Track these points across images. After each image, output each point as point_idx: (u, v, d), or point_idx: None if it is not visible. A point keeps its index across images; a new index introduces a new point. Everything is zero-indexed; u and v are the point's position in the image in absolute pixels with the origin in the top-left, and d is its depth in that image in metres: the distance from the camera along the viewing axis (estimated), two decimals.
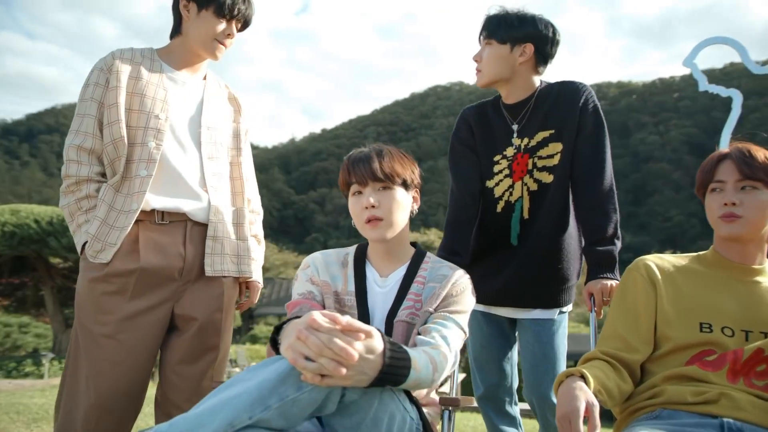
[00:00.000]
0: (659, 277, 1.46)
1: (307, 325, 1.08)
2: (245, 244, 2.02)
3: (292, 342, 1.09)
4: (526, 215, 1.98)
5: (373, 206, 1.50)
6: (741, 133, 1.56)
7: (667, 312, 1.41)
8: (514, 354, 2.14)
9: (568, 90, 1.96)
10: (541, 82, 2.04)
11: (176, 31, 1.96)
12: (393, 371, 1.16)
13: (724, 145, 2.69)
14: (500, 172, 2.02)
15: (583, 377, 1.24)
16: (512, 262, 1.98)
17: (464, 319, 1.51)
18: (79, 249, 1.84)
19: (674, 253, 1.70)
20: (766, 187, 1.41)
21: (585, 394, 1.18)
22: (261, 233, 2.16)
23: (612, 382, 1.33)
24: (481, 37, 2.01)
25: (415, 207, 1.62)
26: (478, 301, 1.86)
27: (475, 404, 2.13)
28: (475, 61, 2.03)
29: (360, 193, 1.54)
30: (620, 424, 1.42)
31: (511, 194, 2.00)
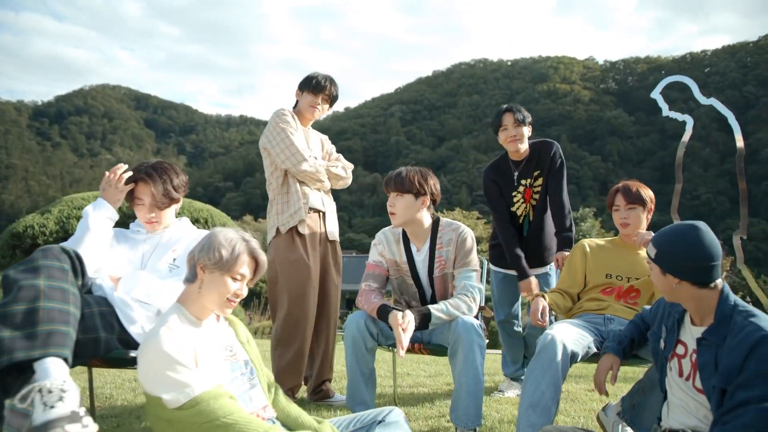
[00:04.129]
0: (588, 251, 2.77)
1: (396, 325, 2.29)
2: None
3: (395, 332, 2.30)
4: (531, 218, 3.43)
5: (391, 205, 2.60)
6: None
7: (591, 268, 2.73)
8: (519, 296, 3.54)
9: (546, 148, 3.37)
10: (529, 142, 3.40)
11: (296, 105, 3.40)
12: (422, 322, 2.40)
13: (680, 154, 4.37)
14: (518, 201, 3.42)
15: (543, 297, 2.56)
16: (524, 244, 3.37)
17: (474, 261, 2.63)
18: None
19: None
20: (641, 207, 2.65)
21: (542, 303, 2.53)
22: None
23: (560, 301, 2.69)
24: (513, 123, 3.28)
25: (424, 207, 2.64)
26: (504, 267, 3.50)
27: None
28: (516, 136, 3.29)
29: (388, 196, 2.64)
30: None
31: (525, 210, 3.43)
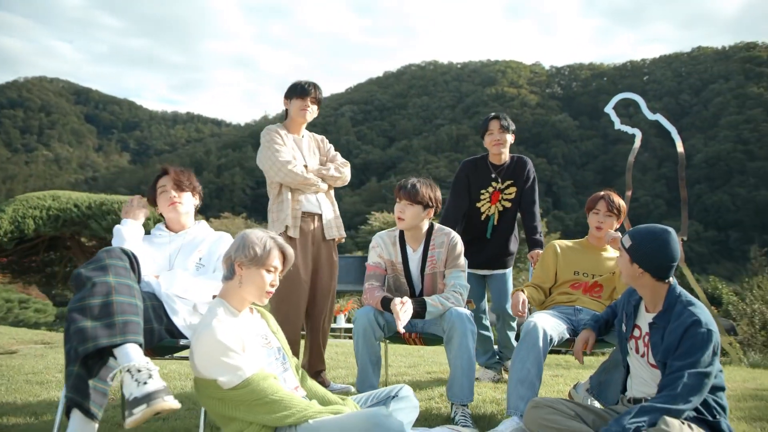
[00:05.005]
0: (559, 250, 3.19)
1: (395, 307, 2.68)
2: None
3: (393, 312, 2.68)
4: (495, 223, 3.86)
5: (400, 212, 2.95)
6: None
7: (561, 266, 3.15)
8: (485, 293, 4.01)
9: (522, 162, 3.87)
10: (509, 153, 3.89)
11: (287, 115, 3.70)
12: (418, 310, 2.75)
13: (631, 160, 5.53)
14: (484, 199, 3.84)
15: (522, 291, 3.02)
16: (487, 247, 3.84)
17: (462, 262, 3.02)
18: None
19: None
20: (616, 217, 3.09)
21: (522, 296, 2.98)
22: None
23: (535, 295, 3.11)
24: (498, 129, 3.74)
25: (428, 217, 3.02)
26: (470, 267, 3.54)
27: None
28: (500, 141, 3.75)
29: (398, 202, 2.97)
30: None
31: (489, 210, 3.85)
